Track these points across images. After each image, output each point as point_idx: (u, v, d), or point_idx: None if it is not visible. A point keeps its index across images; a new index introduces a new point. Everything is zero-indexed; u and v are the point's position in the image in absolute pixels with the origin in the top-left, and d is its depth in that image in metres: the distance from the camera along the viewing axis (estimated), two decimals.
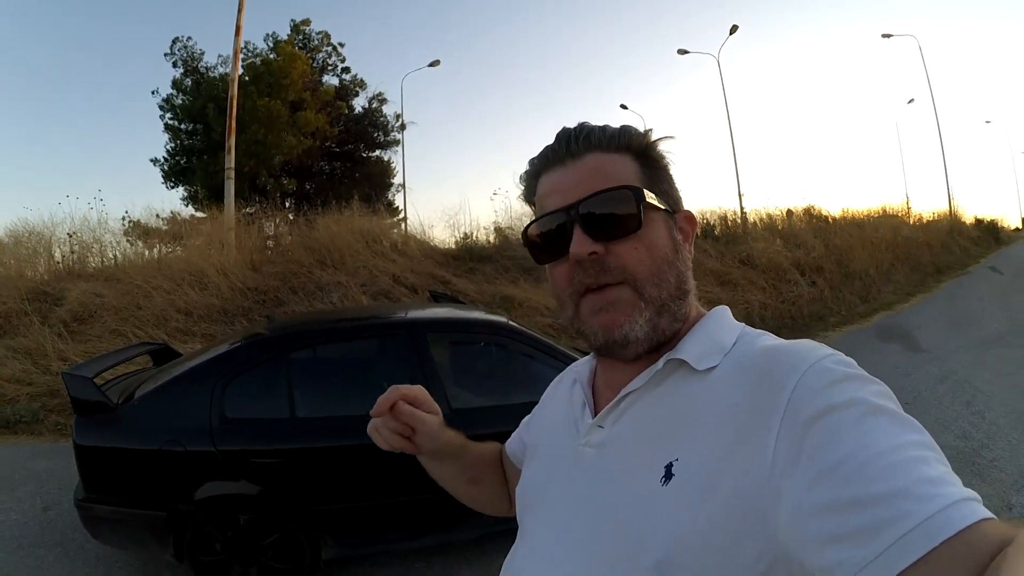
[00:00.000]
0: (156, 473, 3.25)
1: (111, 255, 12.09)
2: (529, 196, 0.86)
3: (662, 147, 0.81)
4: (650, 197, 0.75)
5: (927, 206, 38.09)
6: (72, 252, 11.70)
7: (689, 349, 0.73)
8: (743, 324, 0.79)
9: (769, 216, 17.75)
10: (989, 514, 0.50)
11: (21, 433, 6.82)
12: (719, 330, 0.76)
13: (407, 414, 0.95)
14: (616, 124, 0.81)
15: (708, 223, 16.00)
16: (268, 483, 3.26)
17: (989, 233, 28.80)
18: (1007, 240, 30.68)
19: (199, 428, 3.23)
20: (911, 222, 22.56)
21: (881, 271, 15.62)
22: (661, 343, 0.76)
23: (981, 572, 0.45)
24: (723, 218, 16.92)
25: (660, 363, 0.73)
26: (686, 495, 0.64)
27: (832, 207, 24.20)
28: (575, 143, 0.78)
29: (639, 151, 0.79)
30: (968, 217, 29.56)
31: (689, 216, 0.82)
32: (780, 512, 0.56)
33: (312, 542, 3.31)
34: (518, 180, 0.87)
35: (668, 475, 0.66)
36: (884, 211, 21.63)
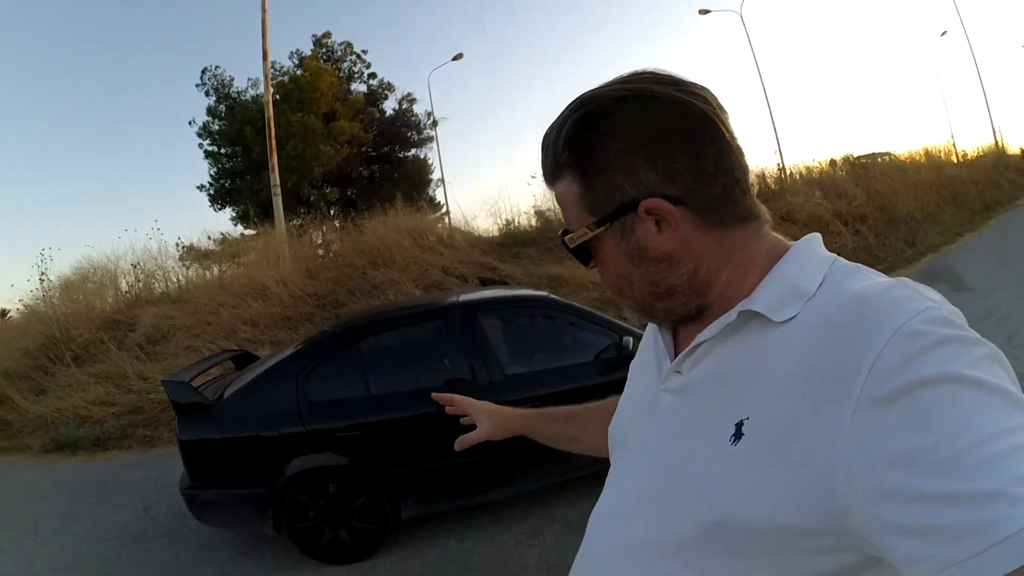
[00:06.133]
0: (253, 455, 3.71)
1: (175, 279, 12.63)
2: None
3: (601, 126, 0.70)
4: (577, 236, 0.75)
5: (972, 142, 36.69)
6: (138, 281, 12.21)
7: (764, 298, 0.67)
8: (834, 257, 0.70)
9: (808, 169, 17.45)
10: None
11: (112, 448, 7.32)
12: (801, 272, 0.68)
13: (452, 401, 1.25)
14: (562, 115, 0.74)
15: None
16: (351, 453, 3.69)
17: None
18: None
19: (289, 412, 3.68)
20: (955, 160, 21.90)
21: (927, 213, 15.16)
22: (694, 312, 0.74)
23: None
24: (760, 176, 16.63)
25: (733, 314, 0.68)
26: (754, 458, 0.61)
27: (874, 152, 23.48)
28: (545, 178, 0.80)
29: (570, 162, 0.73)
30: (1015, 149, 28.40)
31: (653, 206, 0.69)
32: (853, 492, 0.53)
33: (393, 503, 3.74)
34: None
35: (738, 434, 0.63)
36: (927, 152, 21.00)
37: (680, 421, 0.72)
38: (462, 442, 1.17)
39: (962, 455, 0.47)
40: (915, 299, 0.57)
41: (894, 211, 14.55)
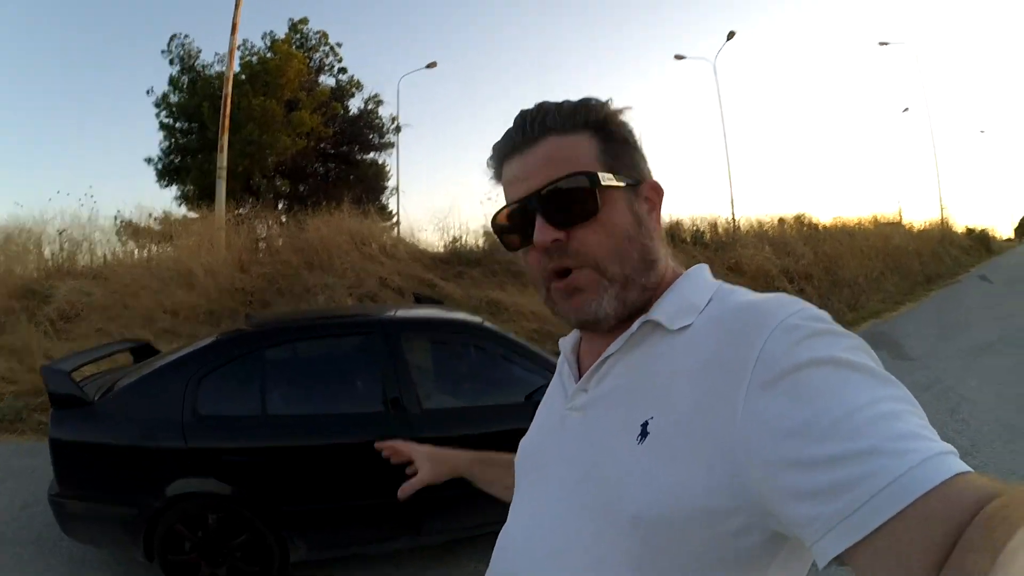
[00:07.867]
0: (128, 469, 3.26)
1: (101, 253, 12.03)
2: (497, 179, 0.86)
3: (624, 117, 0.81)
4: (607, 179, 0.76)
5: (919, 215, 38.22)
6: (62, 250, 11.64)
7: (662, 310, 0.74)
8: (720, 282, 0.79)
9: (760, 223, 17.82)
10: (965, 467, 0.50)
11: (3, 432, 6.75)
12: (693, 289, 0.77)
13: (395, 450, 1.27)
14: (576, 98, 0.80)
15: (698, 229, 16.04)
16: (238, 481, 3.27)
17: (980, 243, 28.94)
18: (998, 250, 30.83)
19: (171, 423, 3.23)
20: (902, 231, 22.68)
21: (871, 279, 15.62)
22: (634, 311, 0.77)
23: (958, 529, 0.45)
24: (713, 225, 16.92)
25: (635, 326, 0.75)
26: (660, 452, 0.65)
27: (823, 215, 24.35)
28: (531, 128, 0.78)
29: (598, 125, 0.79)
30: (959, 227, 29.69)
31: (654, 185, 0.82)
32: (752, 468, 0.57)
33: (281, 543, 3.31)
34: (486, 164, 0.87)
35: (644, 433, 0.67)
36: (876, 220, 21.70)
37: (588, 434, 0.76)
38: (405, 490, 1.17)
39: (841, 422, 0.53)
40: (792, 303, 0.65)
41: (839, 274, 14.93)
